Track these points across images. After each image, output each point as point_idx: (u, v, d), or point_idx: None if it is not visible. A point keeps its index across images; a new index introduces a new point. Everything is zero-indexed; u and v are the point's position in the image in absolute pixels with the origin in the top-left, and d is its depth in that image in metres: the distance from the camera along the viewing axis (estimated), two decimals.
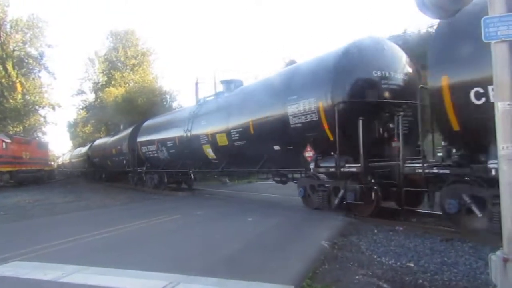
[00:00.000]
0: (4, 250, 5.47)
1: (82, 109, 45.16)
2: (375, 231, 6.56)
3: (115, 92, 35.93)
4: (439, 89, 5.96)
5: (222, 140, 11.97)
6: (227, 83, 13.62)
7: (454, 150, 6.29)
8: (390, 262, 4.77)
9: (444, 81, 5.86)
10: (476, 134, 5.59)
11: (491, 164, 5.28)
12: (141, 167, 18.98)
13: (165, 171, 16.97)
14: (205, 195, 14.90)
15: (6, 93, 33.45)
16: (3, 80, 33.03)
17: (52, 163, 52.15)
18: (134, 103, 32.91)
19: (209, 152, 12.96)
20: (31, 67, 36.86)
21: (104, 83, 40.81)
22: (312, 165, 8.76)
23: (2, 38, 33.67)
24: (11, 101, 33.06)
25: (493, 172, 5.20)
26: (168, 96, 36.50)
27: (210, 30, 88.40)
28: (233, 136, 11.40)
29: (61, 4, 79.63)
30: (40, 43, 36.29)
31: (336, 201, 8.32)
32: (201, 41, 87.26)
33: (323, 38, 70.47)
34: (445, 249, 5.27)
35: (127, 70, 40.75)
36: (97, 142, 29.58)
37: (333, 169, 8.22)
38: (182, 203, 12.64)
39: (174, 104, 33.59)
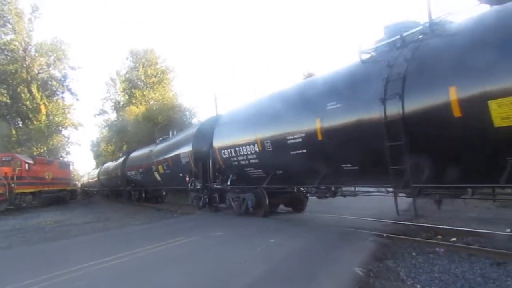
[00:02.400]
0: (8, 280, 5.11)
1: (104, 128, 45.91)
2: (413, 253, 5.87)
3: (136, 110, 36.27)
4: (216, 148, 12.90)
5: (161, 169, 18.63)
6: (173, 131, 20.49)
7: (220, 176, 13.23)
8: None
9: (217, 145, 12.85)
10: (226, 169, 12.81)
11: (228, 181, 12.45)
12: (128, 186, 25.60)
13: (143, 188, 23.91)
14: (225, 213, 14.37)
15: (31, 115, 34.26)
16: (28, 102, 33.80)
17: (77, 182, 53.23)
18: (154, 121, 33.07)
19: (157, 176, 19.52)
20: (54, 89, 37.88)
21: (125, 102, 41.37)
22: (189, 185, 15.28)
23: (27, 62, 34.69)
24: (35, 122, 33.76)
25: (228, 187, 12.56)
26: (188, 113, 36.58)
27: (228, 44, 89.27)
28: (164, 167, 18.17)
29: (83, 26, 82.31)
30: (63, 66, 37.46)
31: (200, 203, 14.95)
32: (219, 55, 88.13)
33: (340, 47, 69.97)
34: (499, 276, 4.55)
35: (147, 88, 41.21)
36: (104, 166, 35.55)
37: (193, 187, 15.00)
38: (202, 222, 12.15)
39: (194, 120, 33.59)
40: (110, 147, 47.08)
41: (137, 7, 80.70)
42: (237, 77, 79.91)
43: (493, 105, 4.96)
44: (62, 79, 37.55)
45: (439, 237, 7.12)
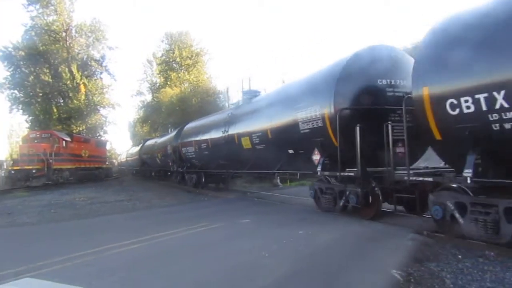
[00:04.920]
0: (24, 260, 4.97)
1: (140, 109, 46.68)
2: (459, 256, 5.18)
3: (171, 92, 36.45)
4: (180, 146, 20.36)
5: (159, 156, 25.72)
6: (171, 128, 28.84)
7: (182, 164, 21.15)
8: None
9: (181, 144, 20.37)
10: (185, 159, 20.34)
11: (185, 167, 20.60)
12: (143, 167, 34.27)
13: (151, 169, 31.54)
14: (254, 199, 14.00)
15: (71, 94, 35.28)
16: (68, 82, 34.81)
17: (114, 160, 55.08)
18: (188, 103, 33.08)
19: (158, 161, 26.60)
20: (93, 69, 38.61)
21: (161, 83, 41.73)
22: (171, 168, 22.68)
23: (68, 42, 35.56)
24: (75, 101, 34.75)
25: (185, 171, 20.42)
26: (221, 96, 36.33)
27: (263, 27, 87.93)
28: (161, 154, 25.20)
29: (122, 8, 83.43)
30: (102, 46, 37.99)
31: (177, 180, 22.50)
32: (255, 37, 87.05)
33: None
34: None
35: (182, 70, 41.28)
36: (130, 150, 45.27)
37: (173, 169, 22.96)
38: (229, 207, 11.87)
39: (227, 104, 33.27)
40: (145, 128, 47.93)
41: None
42: (273, 58, 78.47)
43: (242, 139, 12.67)
44: (101, 59, 38.28)
45: None
